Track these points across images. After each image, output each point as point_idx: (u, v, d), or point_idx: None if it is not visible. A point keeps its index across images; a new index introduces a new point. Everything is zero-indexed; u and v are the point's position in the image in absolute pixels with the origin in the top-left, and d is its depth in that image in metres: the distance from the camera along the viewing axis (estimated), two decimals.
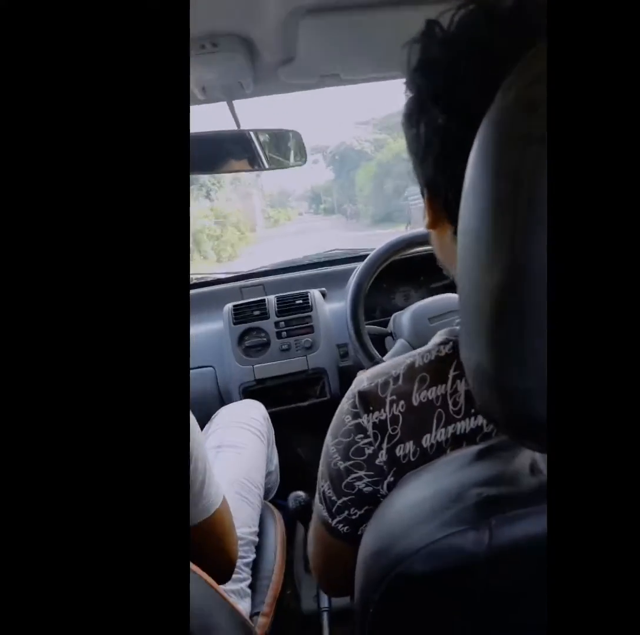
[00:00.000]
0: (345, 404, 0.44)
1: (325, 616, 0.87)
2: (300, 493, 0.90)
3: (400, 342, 0.95)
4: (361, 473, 0.41)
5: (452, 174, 0.34)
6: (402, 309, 1.08)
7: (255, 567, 0.78)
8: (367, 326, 0.99)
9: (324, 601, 0.88)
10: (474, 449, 0.33)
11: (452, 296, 0.96)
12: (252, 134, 0.83)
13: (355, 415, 0.41)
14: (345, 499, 0.43)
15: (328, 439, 0.46)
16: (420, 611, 0.30)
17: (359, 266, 0.99)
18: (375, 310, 1.32)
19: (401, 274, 1.29)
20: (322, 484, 0.46)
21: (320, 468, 0.47)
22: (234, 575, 0.64)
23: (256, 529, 0.81)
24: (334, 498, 0.44)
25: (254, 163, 0.93)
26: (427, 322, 0.93)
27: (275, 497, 1.04)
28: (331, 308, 1.26)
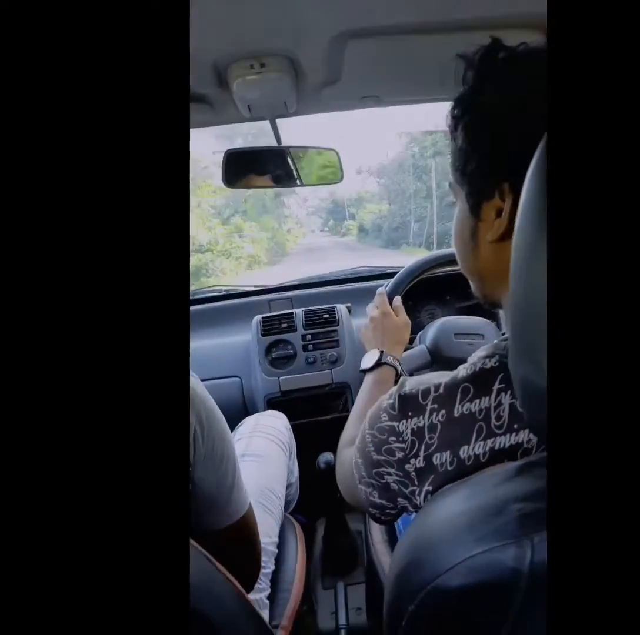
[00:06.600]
0: (385, 401, 0.44)
1: (343, 633, 0.85)
2: (329, 455, 0.91)
3: (419, 347, 0.94)
4: (391, 470, 0.43)
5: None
6: None
7: (274, 578, 0.77)
8: None
9: (342, 618, 0.87)
10: (515, 464, 0.33)
11: (479, 320, 0.95)
12: (290, 150, 0.85)
13: (392, 417, 0.42)
14: (371, 480, 0.46)
15: (365, 424, 0.47)
16: (456, 626, 0.30)
17: (390, 281, 0.99)
18: None
19: (427, 292, 1.30)
20: (356, 454, 0.48)
21: (357, 441, 0.49)
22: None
23: (276, 539, 0.81)
24: (363, 473, 0.47)
25: (290, 179, 0.96)
26: (451, 336, 0.92)
27: (294, 511, 1.04)
28: (357, 324, 1.27)
